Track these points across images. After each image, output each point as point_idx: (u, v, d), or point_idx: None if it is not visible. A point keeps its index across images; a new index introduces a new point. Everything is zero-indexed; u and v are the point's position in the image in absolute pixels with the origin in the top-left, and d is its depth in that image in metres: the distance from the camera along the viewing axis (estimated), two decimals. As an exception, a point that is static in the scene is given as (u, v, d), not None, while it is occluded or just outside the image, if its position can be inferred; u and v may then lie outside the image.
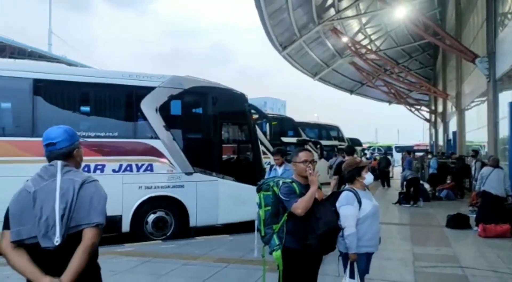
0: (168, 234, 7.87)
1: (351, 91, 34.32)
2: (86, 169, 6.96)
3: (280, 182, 3.24)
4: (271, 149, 9.88)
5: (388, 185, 18.95)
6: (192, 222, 7.96)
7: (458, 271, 5.73)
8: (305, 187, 3.20)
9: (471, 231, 8.52)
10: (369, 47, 25.39)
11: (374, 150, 46.49)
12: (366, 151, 38.86)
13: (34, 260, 2.03)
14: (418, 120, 37.19)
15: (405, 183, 13.37)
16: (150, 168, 7.64)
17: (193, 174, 7.95)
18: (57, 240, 1.99)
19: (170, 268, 5.75)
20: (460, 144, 20.10)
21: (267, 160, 10.08)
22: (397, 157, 37.27)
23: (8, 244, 2.05)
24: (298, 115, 24.60)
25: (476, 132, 17.21)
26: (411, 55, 30.67)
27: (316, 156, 15.86)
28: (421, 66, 33.01)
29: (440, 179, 15.28)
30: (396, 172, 24.54)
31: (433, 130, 34.43)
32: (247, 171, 8.64)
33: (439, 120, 29.97)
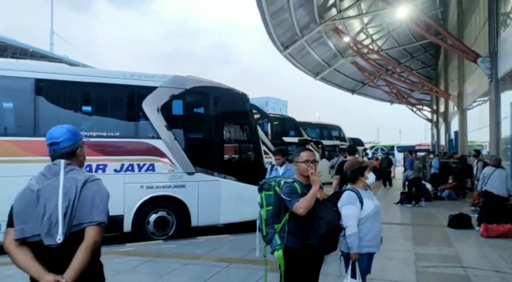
0: (169, 234, 7.88)
1: (353, 91, 34.27)
2: (88, 169, 6.96)
3: (282, 182, 3.24)
4: (273, 148, 9.88)
5: (390, 185, 18.94)
6: (194, 222, 7.96)
7: (460, 271, 5.72)
8: (307, 187, 3.19)
9: (473, 231, 8.50)
10: (370, 47, 25.35)
11: (377, 150, 46.42)
12: (368, 151, 38.81)
13: (38, 257, 2.05)
14: (420, 120, 37.10)
15: (407, 182, 13.36)
16: (151, 168, 7.65)
17: (194, 173, 7.95)
18: (59, 238, 2.02)
19: (171, 268, 5.75)
20: (462, 144, 20.07)
21: (269, 159, 10.07)
22: (398, 156, 37.18)
23: (12, 242, 2.07)
24: (299, 115, 24.56)
25: (478, 132, 17.18)
26: (413, 55, 30.59)
27: (317, 155, 15.85)
28: (423, 66, 32.93)
29: (442, 178, 15.25)
30: (398, 171, 24.51)
31: (434, 130, 34.36)
32: (249, 170, 8.64)
33: (441, 120, 29.92)
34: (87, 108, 7.80)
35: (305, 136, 19.32)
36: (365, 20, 24.39)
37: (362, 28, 25.08)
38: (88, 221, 2.08)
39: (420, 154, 24.64)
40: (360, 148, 28.33)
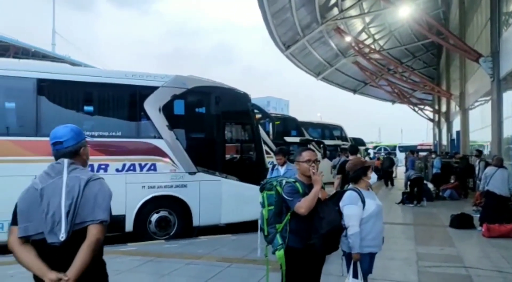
0: (171, 234, 7.88)
1: (354, 91, 34.24)
2: (89, 169, 6.92)
3: (284, 182, 3.24)
4: (274, 148, 9.87)
5: (392, 185, 18.93)
6: (195, 222, 7.97)
7: (462, 271, 5.71)
8: (309, 187, 3.19)
9: (475, 231, 8.48)
10: (372, 46, 25.32)
11: (380, 149, 46.35)
12: (369, 151, 38.77)
13: (41, 255, 2.08)
14: (422, 120, 37.07)
15: (408, 182, 13.34)
16: (153, 168, 7.66)
17: (196, 173, 7.95)
18: (62, 236, 2.04)
19: (173, 267, 5.76)
20: (463, 144, 20.04)
21: (271, 159, 10.07)
22: (400, 156, 37.17)
23: (16, 240, 2.10)
24: (301, 115, 24.65)
25: (480, 132, 17.16)
26: (415, 55, 30.55)
27: (319, 155, 15.85)
28: (425, 66, 32.88)
29: (443, 178, 15.23)
30: (400, 171, 24.49)
31: (436, 130, 34.34)
32: (250, 170, 8.63)
33: (442, 120, 29.88)
34: (89, 108, 7.81)
35: (307, 136, 19.32)
36: (367, 19, 24.37)
37: (363, 27, 25.07)
38: (90, 219, 2.10)
39: (422, 153, 24.63)
40: (361, 148, 28.31)
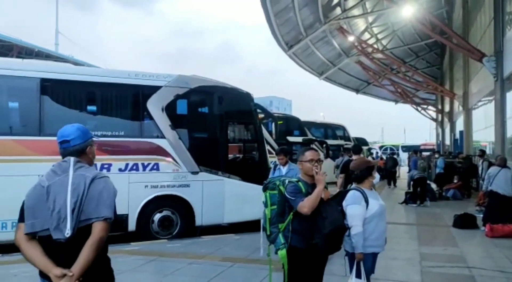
0: (174, 233, 7.89)
1: (357, 91, 34.19)
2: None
3: (286, 181, 3.24)
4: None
5: (395, 185, 18.89)
6: (198, 221, 7.98)
7: (465, 271, 5.70)
8: (311, 186, 3.19)
9: (478, 231, 8.46)
10: (375, 46, 25.28)
11: (386, 149, 46.23)
12: (377, 150, 38.72)
13: (47, 251, 2.12)
14: (425, 120, 36.96)
15: (412, 182, 13.31)
16: (156, 167, 7.67)
17: (199, 173, 7.96)
18: (67, 233, 2.07)
19: (175, 267, 5.76)
20: (467, 144, 19.99)
21: (273, 159, 10.06)
22: (403, 156, 37.08)
23: (22, 236, 2.14)
24: (304, 115, 24.68)
25: (483, 131, 17.10)
26: (418, 54, 30.47)
27: (322, 155, 15.82)
28: (428, 65, 32.78)
29: (447, 178, 15.19)
30: (403, 171, 24.44)
31: (439, 130, 34.21)
32: (253, 170, 8.63)
33: (446, 119, 29.79)
34: (92, 107, 7.82)
35: (310, 136, 19.28)
36: (370, 19, 24.34)
37: (366, 27, 25.04)
38: (95, 216, 2.14)
39: (425, 153, 24.57)
40: (364, 147, 28.24)
